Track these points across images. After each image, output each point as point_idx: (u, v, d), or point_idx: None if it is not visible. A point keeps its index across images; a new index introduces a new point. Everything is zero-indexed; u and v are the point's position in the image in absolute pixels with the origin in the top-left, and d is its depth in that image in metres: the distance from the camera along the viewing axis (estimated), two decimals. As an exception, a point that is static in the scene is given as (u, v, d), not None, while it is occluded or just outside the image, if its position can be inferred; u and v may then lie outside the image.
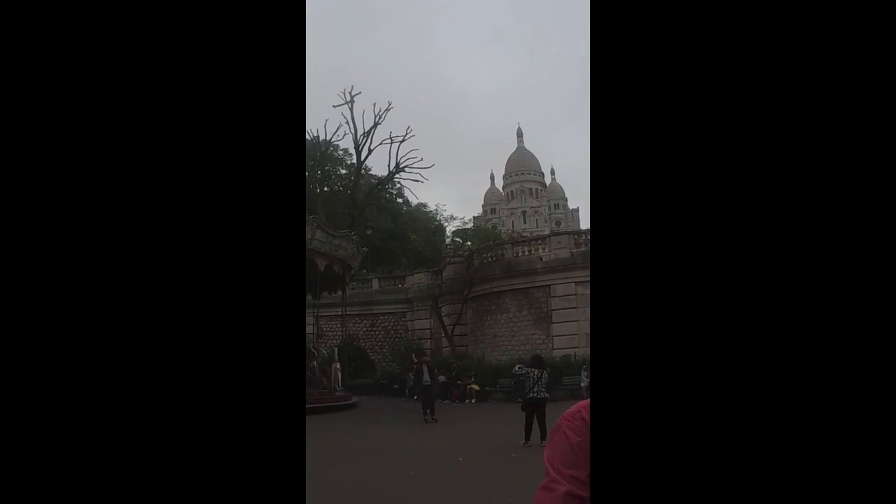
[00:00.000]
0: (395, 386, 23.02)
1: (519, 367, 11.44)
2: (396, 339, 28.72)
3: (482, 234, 29.15)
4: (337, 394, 18.61)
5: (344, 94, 32.01)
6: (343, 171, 42.78)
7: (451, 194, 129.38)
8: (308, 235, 16.68)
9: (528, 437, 9.88)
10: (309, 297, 18.05)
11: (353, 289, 25.30)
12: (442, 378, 19.77)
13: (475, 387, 20.34)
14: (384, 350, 28.96)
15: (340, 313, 22.30)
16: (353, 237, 21.32)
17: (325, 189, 40.01)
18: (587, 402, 1.15)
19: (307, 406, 15.00)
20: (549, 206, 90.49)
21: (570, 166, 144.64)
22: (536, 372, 10.30)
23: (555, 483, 1.15)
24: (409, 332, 28.59)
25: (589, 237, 22.07)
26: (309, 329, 19.68)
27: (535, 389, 10.17)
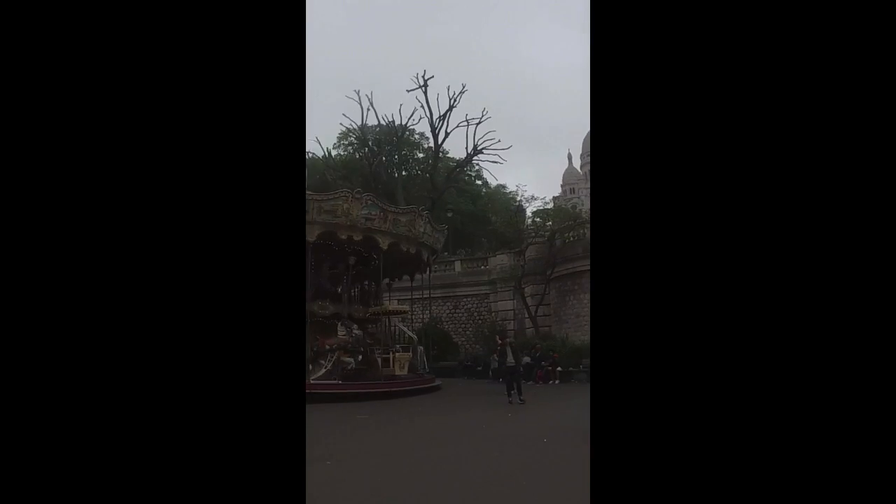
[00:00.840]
0: (479, 368, 23.09)
1: None
2: (479, 321, 28.73)
3: (563, 214, 28.53)
4: (424, 376, 19.01)
5: (417, 78, 32.17)
6: (420, 155, 43.04)
7: (530, 175, 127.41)
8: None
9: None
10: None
11: (435, 271, 25.55)
12: (526, 359, 19.68)
13: (559, 367, 20.20)
14: (468, 332, 29.07)
15: (424, 296, 22.62)
16: (445, 229, 22.93)
17: (404, 173, 40.43)
18: None
19: (395, 389, 15.67)
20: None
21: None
22: None
23: None
24: (493, 314, 28.53)
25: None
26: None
27: None
